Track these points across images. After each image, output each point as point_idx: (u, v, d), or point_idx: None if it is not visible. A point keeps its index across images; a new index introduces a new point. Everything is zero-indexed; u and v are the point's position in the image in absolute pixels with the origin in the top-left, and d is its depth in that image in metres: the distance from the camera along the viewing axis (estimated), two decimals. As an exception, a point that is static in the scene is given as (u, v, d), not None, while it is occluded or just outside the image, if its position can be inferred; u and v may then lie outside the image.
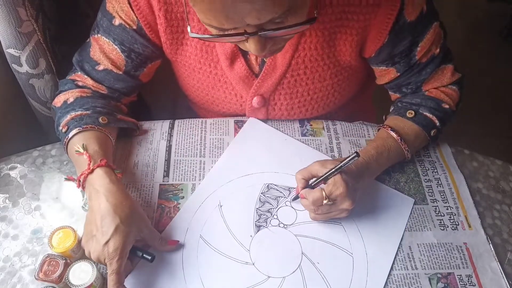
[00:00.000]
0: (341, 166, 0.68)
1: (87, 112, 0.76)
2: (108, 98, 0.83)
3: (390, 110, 0.88)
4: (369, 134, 0.89)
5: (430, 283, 0.70)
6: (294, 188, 0.79)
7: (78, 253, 0.69)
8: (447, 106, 0.83)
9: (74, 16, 1.05)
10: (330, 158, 0.81)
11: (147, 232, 0.68)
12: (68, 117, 0.76)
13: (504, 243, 0.76)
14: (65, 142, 0.75)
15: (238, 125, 0.89)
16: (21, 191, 0.78)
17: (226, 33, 0.59)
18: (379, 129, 0.83)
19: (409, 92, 0.85)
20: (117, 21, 0.76)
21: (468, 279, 0.71)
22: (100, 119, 0.76)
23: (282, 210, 0.77)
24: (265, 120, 0.90)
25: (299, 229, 0.75)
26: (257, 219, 0.76)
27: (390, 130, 0.80)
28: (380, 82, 0.87)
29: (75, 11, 1.05)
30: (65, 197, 0.78)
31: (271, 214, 0.76)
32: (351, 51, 0.78)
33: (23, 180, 0.80)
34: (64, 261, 0.65)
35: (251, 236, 0.74)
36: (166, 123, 0.89)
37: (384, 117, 0.88)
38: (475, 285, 0.70)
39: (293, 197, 0.78)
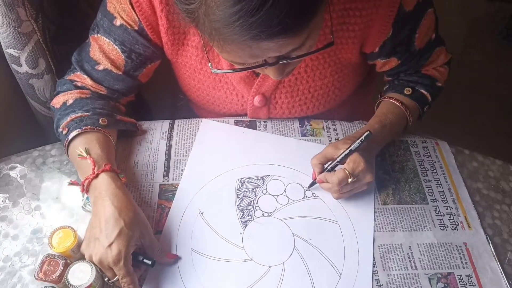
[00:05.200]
0: (357, 146, 0.73)
1: (87, 113, 0.76)
2: (107, 98, 0.82)
3: (385, 88, 0.91)
4: (369, 134, 0.89)
5: (430, 283, 0.70)
6: (266, 175, 0.81)
7: (78, 253, 0.69)
8: (439, 84, 0.87)
9: (74, 16, 1.05)
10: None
11: (148, 239, 0.68)
12: (68, 119, 0.76)
13: (504, 243, 0.76)
14: (65, 144, 0.75)
15: (238, 125, 0.89)
16: (21, 191, 0.78)
17: (247, 66, 0.61)
18: (378, 103, 0.87)
19: (406, 75, 0.88)
20: (118, 22, 0.76)
21: (468, 279, 0.71)
22: (100, 121, 0.76)
23: (261, 200, 0.78)
24: (266, 120, 0.90)
25: (283, 213, 0.77)
26: (241, 215, 0.76)
27: (390, 98, 0.84)
28: (380, 70, 0.89)
29: (75, 11, 1.05)
30: (65, 197, 0.78)
31: (253, 207, 0.77)
32: (352, 48, 0.79)
33: (23, 180, 0.80)
34: (64, 261, 0.65)
35: (240, 233, 0.74)
36: (166, 123, 0.89)
37: (379, 94, 0.90)
38: (475, 285, 0.70)
39: (309, 184, 0.79)
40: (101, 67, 0.80)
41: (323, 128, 0.90)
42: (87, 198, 0.75)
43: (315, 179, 0.77)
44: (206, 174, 0.81)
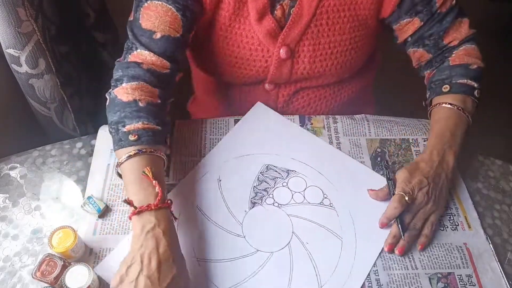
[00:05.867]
0: (387, 172, 0.78)
1: (158, 127, 0.72)
2: (168, 87, 0.79)
3: (427, 95, 0.89)
4: (370, 132, 0.89)
5: (430, 283, 0.70)
6: (292, 170, 0.82)
7: (78, 253, 0.69)
8: (475, 66, 0.85)
9: (74, 16, 1.05)
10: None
11: None
12: (140, 124, 0.71)
13: (504, 243, 0.76)
14: (130, 152, 0.68)
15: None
16: (21, 191, 0.78)
17: None
18: (431, 113, 0.85)
19: (432, 43, 0.87)
20: None
21: (468, 279, 0.71)
22: (167, 140, 0.76)
23: (278, 190, 0.79)
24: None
25: (293, 210, 0.77)
26: (253, 196, 0.78)
27: (436, 105, 0.83)
28: (403, 37, 0.89)
29: (75, 11, 1.05)
30: (65, 197, 0.78)
31: (267, 193, 0.79)
32: (370, 3, 0.83)
33: (23, 180, 0.80)
34: (62, 263, 0.65)
35: (245, 211, 0.76)
36: (166, 123, 0.89)
37: (423, 103, 0.90)
38: (475, 285, 0.70)
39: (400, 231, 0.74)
40: (158, 35, 0.76)
41: (323, 127, 0.90)
42: (88, 198, 0.75)
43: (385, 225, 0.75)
44: (239, 149, 0.84)
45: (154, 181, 0.66)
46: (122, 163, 0.69)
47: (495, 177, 0.85)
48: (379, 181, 0.81)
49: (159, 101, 0.76)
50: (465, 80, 0.83)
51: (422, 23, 0.85)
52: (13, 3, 0.80)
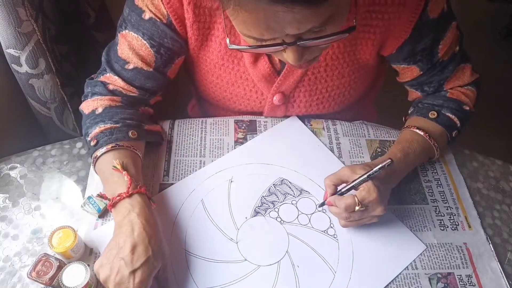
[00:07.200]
0: (374, 172, 0.68)
1: (117, 125, 0.75)
2: (137, 103, 0.81)
3: (410, 111, 0.88)
4: (369, 134, 0.89)
5: (430, 283, 0.70)
6: (306, 191, 0.79)
7: (78, 253, 0.69)
8: (467, 108, 0.83)
9: (74, 16, 1.05)
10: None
11: (166, 274, 0.66)
12: (97, 129, 0.74)
13: (504, 243, 0.76)
14: (96, 156, 0.73)
15: (238, 125, 0.89)
16: (21, 191, 0.78)
17: (264, 43, 0.58)
18: (402, 130, 0.83)
19: (431, 90, 0.85)
20: (147, 15, 0.74)
21: (468, 279, 0.71)
22: (130, 134, 0.75)
23: (285, 206, 0.78)
24: (266, 120, 0.90)
25: (294, 229, 0.75)
26: (259, 205, 0.77)
27: (417, 129, 0.80)
28: (402, 79, 0.87)
29: (75, 11, 1.05)
30: (65, 197, 0.78)
31: (274, 206, 0.77)
32: (371, 50, 0.79)
33: (23, 180, 0.80)
34: (58, 263, 0.65)
35: (246, 217, 0.76)
36: (166, 123, 0.89)
37: (403, 118, 0.88)
38: (475, 285, 0.70)
39: (320, 203, 0.76)
40: (131, 66, 0.78)
41: (323, 128, 0.90)
42: (88, 198, 0.75)
43: (326, 199, 0.73)
44: (261, 156, 0.84)
45: (124, 172, 0.70)
46: (94, 166, 0.75)
47: (495, 177, 0.85)
48: (397, 227, 0.76)
49: (120, 103, 0.78)
50: (453, 117, 0.82)
51: (421, 72, 0.82)
52: (13, 3, 0.80)
